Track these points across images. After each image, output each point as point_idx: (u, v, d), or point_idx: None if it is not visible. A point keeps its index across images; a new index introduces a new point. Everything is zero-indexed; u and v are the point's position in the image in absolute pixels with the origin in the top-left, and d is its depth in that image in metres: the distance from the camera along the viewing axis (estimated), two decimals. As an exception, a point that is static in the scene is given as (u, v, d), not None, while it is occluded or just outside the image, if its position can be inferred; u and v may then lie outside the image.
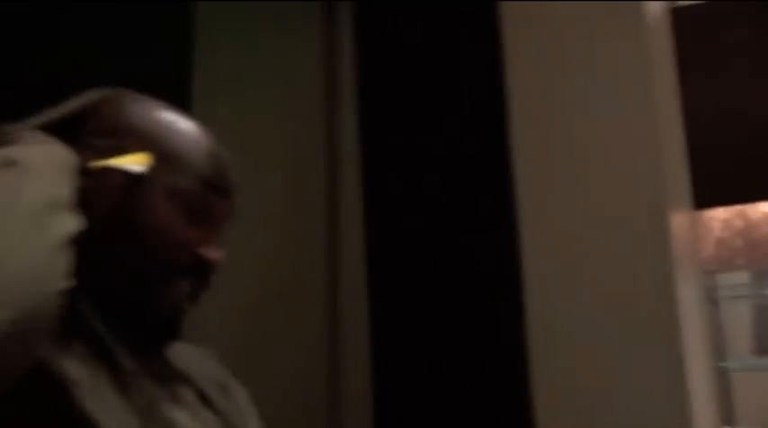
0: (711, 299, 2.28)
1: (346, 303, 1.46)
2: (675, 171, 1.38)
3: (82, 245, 0.48)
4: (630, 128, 1.29)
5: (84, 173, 0.53)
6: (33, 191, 0.47)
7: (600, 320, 1.25)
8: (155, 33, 1.49)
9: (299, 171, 1.57)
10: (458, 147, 1.42)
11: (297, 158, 1.57)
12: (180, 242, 0.58)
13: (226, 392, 0.68)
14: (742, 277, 2.72)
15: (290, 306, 1.47)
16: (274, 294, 1.47)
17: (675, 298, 1.19)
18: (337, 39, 1.57)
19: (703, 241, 2.17)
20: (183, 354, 0.65)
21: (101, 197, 0.54)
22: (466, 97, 1.43)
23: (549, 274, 1.28)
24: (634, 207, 1.26)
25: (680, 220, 1.32)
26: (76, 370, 0.52)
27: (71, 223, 0.49)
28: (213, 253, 0.59)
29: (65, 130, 0.56)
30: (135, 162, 0.56)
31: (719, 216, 2.24)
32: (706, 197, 1.60)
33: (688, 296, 1.26)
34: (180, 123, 0.62)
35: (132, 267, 0.57)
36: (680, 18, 1.57)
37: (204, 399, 0.63)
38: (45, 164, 0.50)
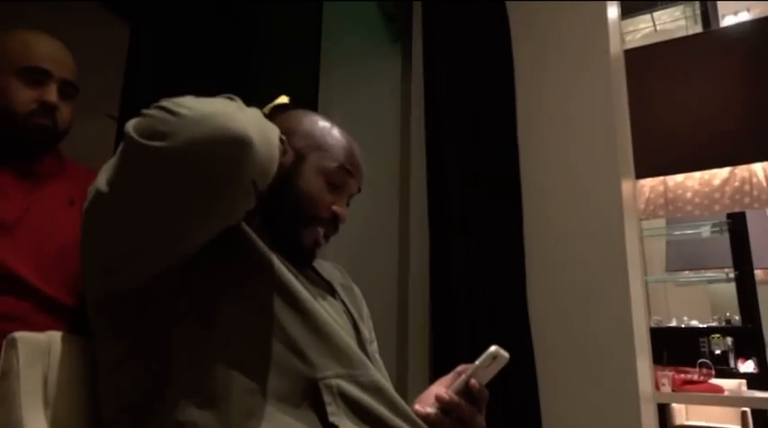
0: (642, 236, 2.90)
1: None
2: (625, 152, 1.51)
3: (264, 194, 0.60)
4: (595, 124, 1.44)
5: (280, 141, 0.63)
6: (260, 116, 0.60)
7: (569, 251, 1.40)
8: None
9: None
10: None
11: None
12: (321, 202, 0.73)
13: (350, 291, 0.83)
14: (660, 222, 3.51)
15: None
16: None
17: (623, 235, 1.36)
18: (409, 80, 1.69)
19: (639, 199, 2.78)
20: (322, 267, 0.81)
21: (280, 168, 0.63)
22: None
23: (530, 222, 1.43)
24: (597, 176, 1.42)
25: (627, 186, 1.47)
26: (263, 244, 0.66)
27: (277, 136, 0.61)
28: (341, 210, 0.75)
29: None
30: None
31: (649, 183, 2.88)
32: (642, 170, 2.08)
33: (630, 234, 1.41)
34: (329, 127, 0.77)
35: (292, 214, 0.73)
36: (632, 55, 1.93)
37: (335, 294, 0.78)
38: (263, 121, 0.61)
